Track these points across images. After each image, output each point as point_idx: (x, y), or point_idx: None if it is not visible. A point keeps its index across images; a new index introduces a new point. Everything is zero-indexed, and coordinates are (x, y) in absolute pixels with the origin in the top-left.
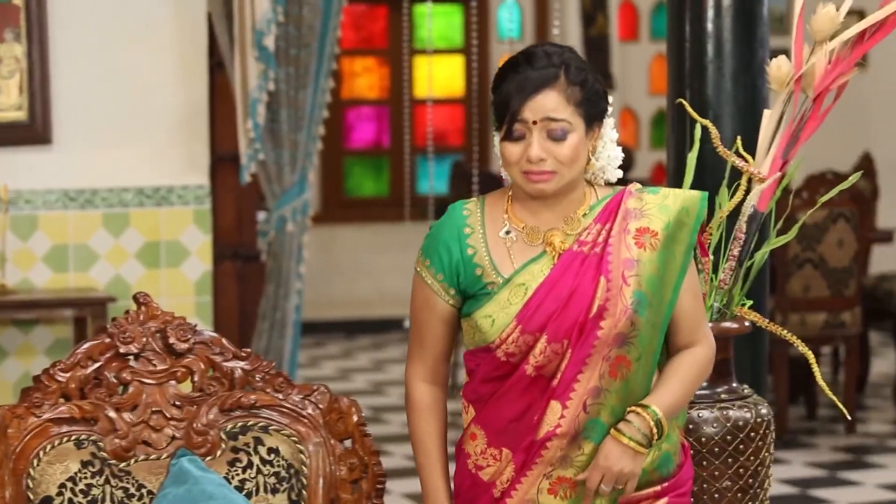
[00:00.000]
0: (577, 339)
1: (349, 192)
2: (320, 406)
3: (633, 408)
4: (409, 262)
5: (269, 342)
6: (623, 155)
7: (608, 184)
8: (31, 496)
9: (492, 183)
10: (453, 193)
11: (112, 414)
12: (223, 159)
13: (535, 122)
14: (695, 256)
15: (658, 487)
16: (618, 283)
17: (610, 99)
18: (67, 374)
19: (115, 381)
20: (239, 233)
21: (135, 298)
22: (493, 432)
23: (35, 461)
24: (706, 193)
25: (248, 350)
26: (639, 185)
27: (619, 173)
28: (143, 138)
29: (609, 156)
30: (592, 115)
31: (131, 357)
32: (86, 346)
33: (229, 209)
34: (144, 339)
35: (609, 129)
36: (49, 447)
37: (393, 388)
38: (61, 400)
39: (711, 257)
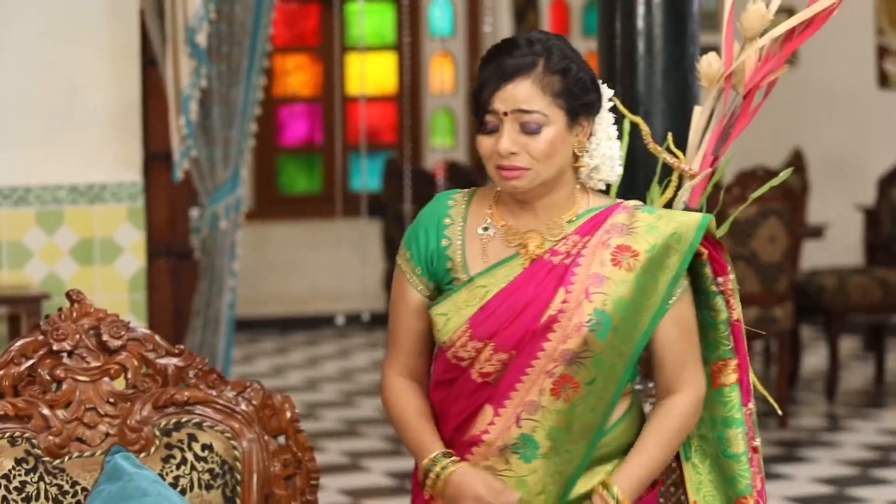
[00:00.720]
0: (522, 349)
1: (282, 189)
2: (254, 402)
3: (597, 486)
4: (341, 259)
5: (202, 339)
6: (622, 154)
7: (606, 191)
8: None
9: (424, 181)
10: (386, 190)
11: (46, 411)
12: (156, 156)
13: (506, 114)
14: (707, 277)
15: None
16: (578, 297)
17: (609, 92)
18: (1, 372)
19: (48, 378)
20: (172, 230)
21: (68, 296)
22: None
23: None
24: (708, 217)
25: (182, 347)
26: (638, 203)
27: (619, 171)
28: (76, 136)
29: (605, 154)
30: (576, 108)
31: (65, 354)
32: (19, 343)
33: (162, 206)
34: (78, 337)
35: (606, 125)
36: None
37: (327, 384)
38: None
39: (733, 276)
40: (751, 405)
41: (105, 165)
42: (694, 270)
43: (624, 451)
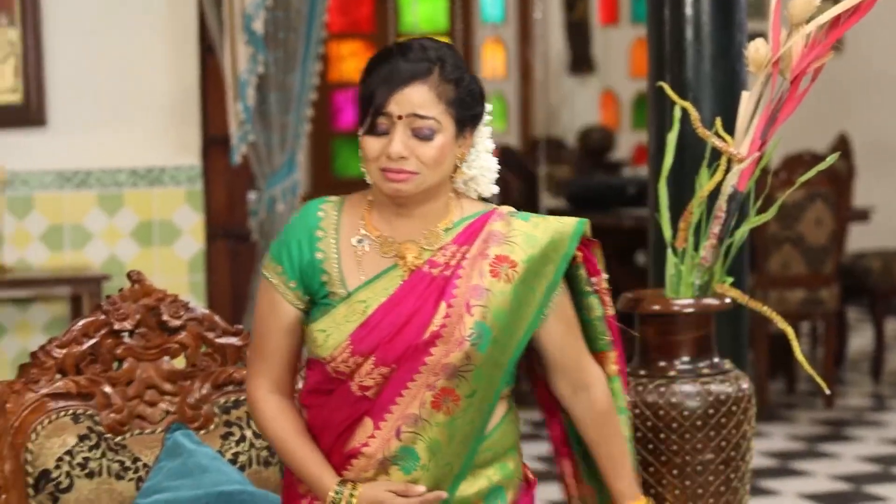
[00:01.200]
0: (403, 363)
1: (337, 173)
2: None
3: None
4: None
5: None
6: (497, 167)
7: (481, 199)
8: (30, 469)
9: None
10: None
11: (108, 389)
12: (214, 141)
13: (400, 117)
14: (582, 279)
15: None
16: (459, 310)
17: (488, 107)
18: (64, 351)
19: (110, 357)
20: (230, 212)
21: (129, 276)
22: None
23: (33, 435)
24: (582, 223)
25: (240, 326)
26: (512, 209)
27: (495, 189)
28: (136, 120)
29: (483, 166)
30: (465, 119)
31: (126, 334)
32: (81, 322)
33: (221, 189)
34: (138, 316)
35: (484, 138)
36: (47, 422)
37: None
38: (58, 375)
39: (606, 276)
40: (627, 397)
41: (164, 149)
42: (569, 272)
43: (504, 453)
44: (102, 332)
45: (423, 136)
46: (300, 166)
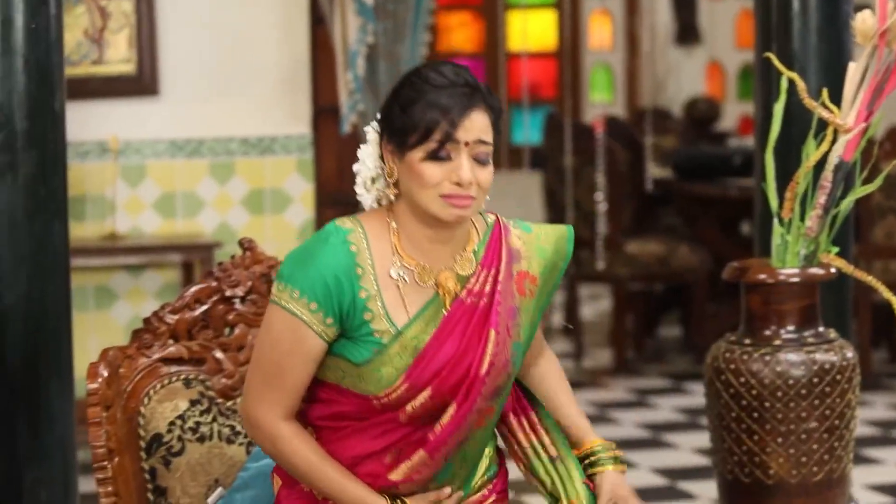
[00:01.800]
0: (463, 397)
1: None
2: None
3: (590, 447)
4: (504, 209)
5: None
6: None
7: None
8: (142, 433)
9: (584, 135)
10: (547, 144)
11: (219, 354)
12: (324, 110)
13: (467, 144)
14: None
15: (486, 491)
16: (504, 336)
17: None
18: (176, 317)
19: (221, 322)
20: (340, 181)
21: (240, 243)
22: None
23: (146, 400)
24: (571, 229)
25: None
26: (505, 219)
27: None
28: (248, 90)
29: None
30: (496, 141)
31: (237, 300)
32: (194, 289)
33: (330, 158)
34: (250, 283)
35: None
36: (159, 386)
37: None
38: (170, 341)
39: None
40: None
41: (275, 119)
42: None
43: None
44: (214, 298)
45: (483, 160)
46: None
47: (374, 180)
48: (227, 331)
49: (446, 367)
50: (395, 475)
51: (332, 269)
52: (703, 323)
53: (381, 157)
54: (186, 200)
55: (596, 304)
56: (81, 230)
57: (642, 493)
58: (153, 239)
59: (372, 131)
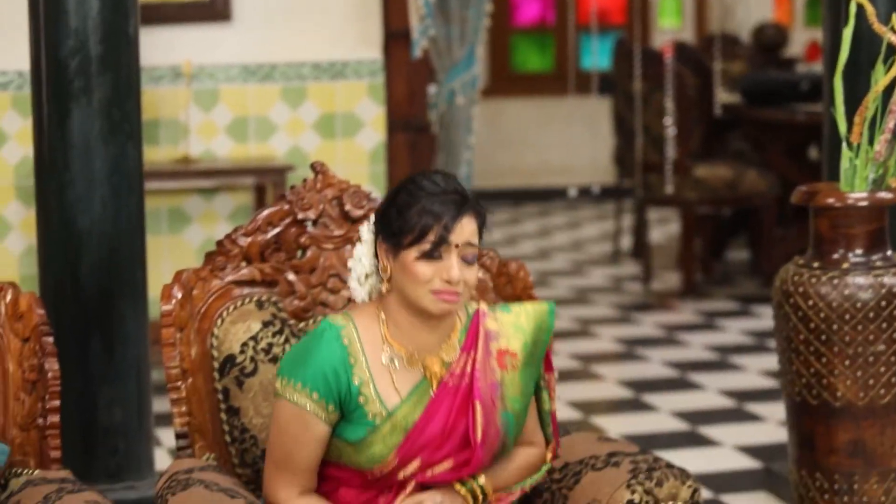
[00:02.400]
0: (450, 463)
1: (515, 68)
2: (491, 270)
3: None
4: (572, 135)
5: None
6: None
7: None
8: (216, 354)
9: (653, 60)
10: (616, 69)
11: (291, 277)
12: (395, 35)
13: (457, 246)
14: (541, 376)
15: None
16: (489, 406)
17: None
18: (249, 239)
19: (294, 245)
20: (410, 105)
21: (312, 167)
22: None
23: (219, 321)
24: (553, 304)
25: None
26: (484, 304)
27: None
28: (320, 15)
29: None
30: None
31: (309, 223)
32: (266, 212)
33: (401, 82)
34: (321, 206)
35: None
36: (232, 308)
37: (558, 253)
38: (243, 263)
39: (556, 374)
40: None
41: (347, 43)
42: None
43: None
44: (286, 221)
45: (469, 261)
46: (479, 60)
47: (367, 276)
48: (298, 253)
49: (433, 442)
50: None
51: (329, 362)
52: (771, 247)
53: (376, 255)
54: (258, 124)
55: (664, 228)
56: (155, 154)
57: (710, 414)
58: (226, 162)
59: (367, 231)
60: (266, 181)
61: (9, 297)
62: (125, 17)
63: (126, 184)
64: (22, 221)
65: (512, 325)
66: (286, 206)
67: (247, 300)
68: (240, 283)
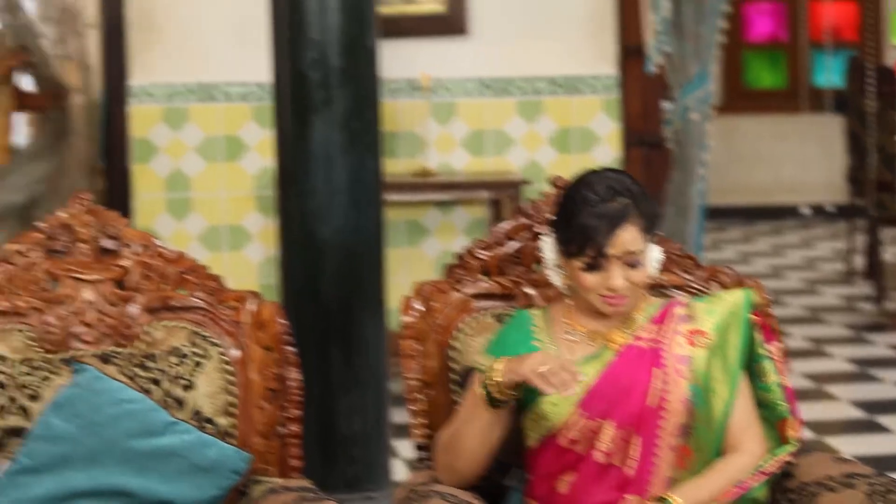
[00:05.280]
0: (643, 429)
1: (748, 84)
2: (727, 286)
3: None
4: (805, 152)
5: (674, 226)
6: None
7: (652, 290)
8: (455, 366)
9: (886, 78)
10: (849, 87)
11: (530, 290)
12: (630, 51)
13: (616, 257)
14: (757, 340)
15: None
16: (673, 376)
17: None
18: (488, 252)
19: (531, 259)
20: (645, 121)
21: (552, 182)
22: None
23: (458, 334)
24: (749, 292)
25: (660, 233)
26: (685, 296)
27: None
28: (555, 30)
29: (654, 258)
30: (651, 235)
31: None
32: (505, 225)
33: (636, 98)
34: None
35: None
36: (471, 321)
37: (791, 271)
38: (482, 276)
39: (782, 344)
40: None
41: (582, 59)
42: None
43: None
44: (525, 235)
45: (633, 264)
46: (713, 77)
47: (556, 266)
48: (536, 267)
49: (617, 398)
50: None
51: (512, 337)
52: None
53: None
54: (495, 138)
55: None
56: (393, 166)
57: None
58: (463, 176)
59: (548, 230)
60: (502, 195)
61: (252, 307)
62: (365, 31)
63: (366, 195)
64: (260, 231)
65: (704, 310)
66: (524, 220)
67: (486, 313)
68: (479, 297)
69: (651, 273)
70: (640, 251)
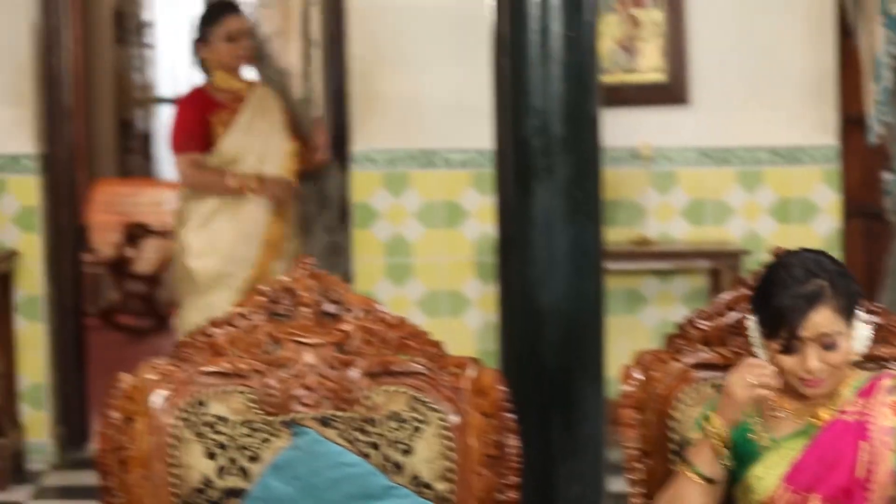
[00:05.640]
0: (851, 500)
1: None
2: None
3: None
4: None
5: (894, 297)
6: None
7: (860, 364)
8: (674, 436)
9: None
10: None
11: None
12: (850, 121)
13: (811, 339)
14: None
15: None
16: (879, 448)
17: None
18: (709, 323)
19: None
20: (866, 191)
21: (772, 252)
22: None
23: (678, 404)
24: None
25: (880, 305)
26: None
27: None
28: (775, 100)
29: (861, 336)
30: (853, 314)
31: None
32: (726, 296)
33: (856, 169)
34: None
35: (860, 311)
36: (691, 391)
37: None
38: (702, 346)
39: None
40: None
41: (802, 128)
42: None
43: None
44: (745, 306)
45: (829, 346)
46: None
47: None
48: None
49: (823, 471)
50: None
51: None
52: None
53: None
54: (715, 207)
55: None
56: (613, 234)
57: None
58: (682, 245)
59: (750, 309)
60: (721, 265)
61: (472, 373)
62: (588, 99)
63: (587, 263)
64: (480, 297)
65: None
66: (745, 291)
67: (705, 384)
68: (698, 366)
69: (857, 351)
70: (836, 332)
